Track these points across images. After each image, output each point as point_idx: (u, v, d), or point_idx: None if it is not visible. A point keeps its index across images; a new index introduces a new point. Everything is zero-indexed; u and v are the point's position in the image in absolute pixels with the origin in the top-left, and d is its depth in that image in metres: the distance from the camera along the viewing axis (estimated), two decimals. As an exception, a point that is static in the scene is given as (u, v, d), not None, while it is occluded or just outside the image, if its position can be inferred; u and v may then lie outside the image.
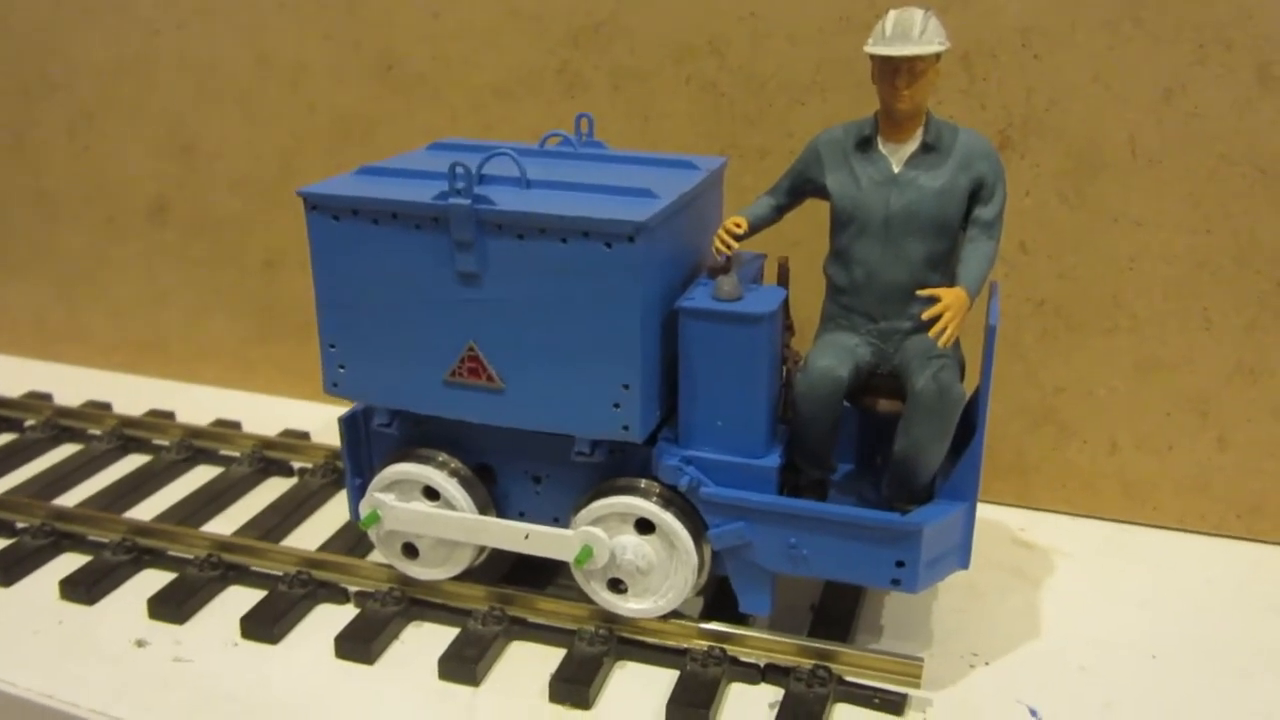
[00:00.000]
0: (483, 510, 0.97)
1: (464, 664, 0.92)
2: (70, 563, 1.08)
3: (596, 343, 0.87)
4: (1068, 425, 1.18)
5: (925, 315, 0.84)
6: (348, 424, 1.01)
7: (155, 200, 1.52)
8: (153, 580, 1.05)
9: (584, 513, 0.93)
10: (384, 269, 0.90)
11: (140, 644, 0.97)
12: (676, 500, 0.91)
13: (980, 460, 0.89)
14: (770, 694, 0.91)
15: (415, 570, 1.00)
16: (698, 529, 0.91)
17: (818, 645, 0.92)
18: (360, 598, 1.02)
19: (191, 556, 1.07)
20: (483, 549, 0.99)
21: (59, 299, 1.63)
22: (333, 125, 1.39)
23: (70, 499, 1.20)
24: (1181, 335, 1.12)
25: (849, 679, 0.90)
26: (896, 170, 0.88)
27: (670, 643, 0.94)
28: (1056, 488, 1.20)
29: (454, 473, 0.96)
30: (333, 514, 1.18)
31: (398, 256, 0.89)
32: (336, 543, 1.11)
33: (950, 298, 0.84)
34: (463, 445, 0.97)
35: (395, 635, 0.98)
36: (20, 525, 1.14)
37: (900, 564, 0.87)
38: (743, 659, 0.93)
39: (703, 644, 0.93)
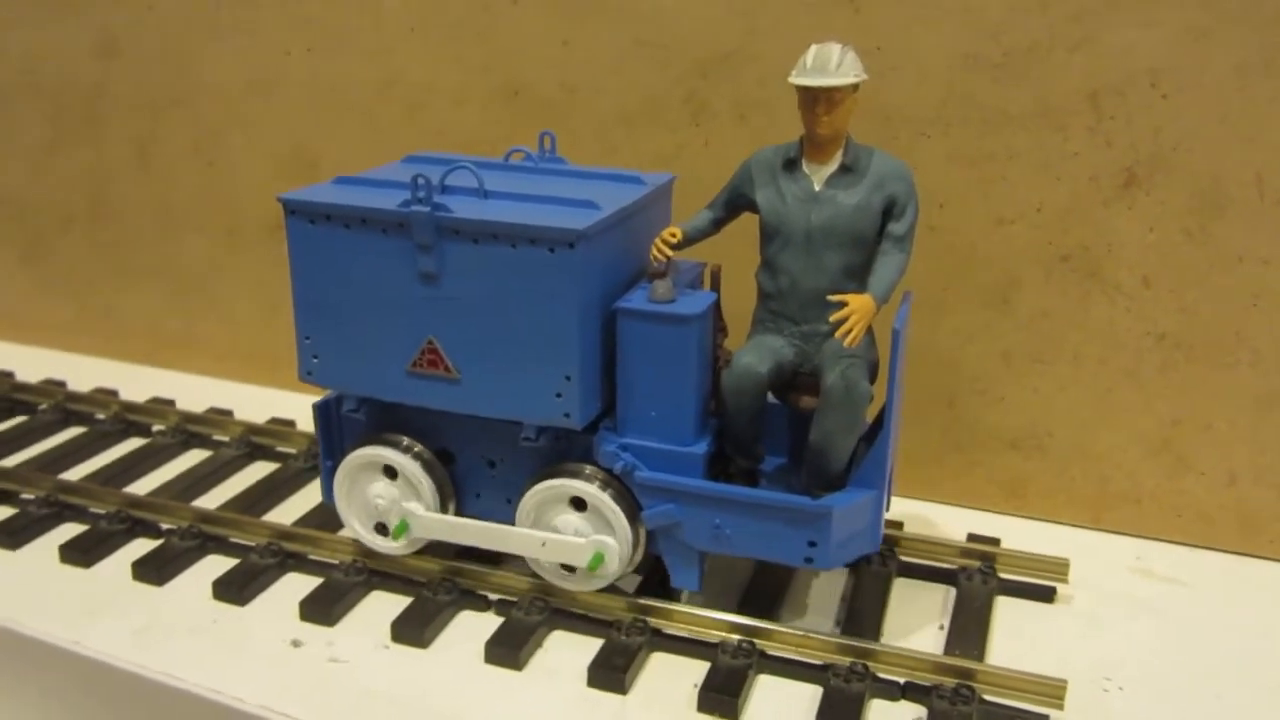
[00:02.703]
0: (441, 490, 1.06)
1: (613, 673, 0.95)
2: (219, 564, 1.12)
3: (541, 338, 0.96)
4: (1185, 456, 1.20)
5: (832, 318, 0.94)
6: (320, 410, 1.10)
7: (275, 216, 1.55)
8: (299, 584, 1.09)
9: (531, 493, 1.02)
10: (354, 269, 1.00)
11: (295, 644, 1.01)
12: (614, 483, 1.00)
13: (887, 453, 0.97)
14: (911, 711, 0.93)
15: (382, 545, 1.09)
16: (633, 510, 1.00)
17: (958, 664, 0.94)
18: (502, 605, 1.05)
19: (337, 562, 1.11)
20: None
21: (175, 308, 1.68)
22: (456, 148, 1.42)
23: (209, 501, 1.24)
24: (1302, 372, 1.14)
25: (990, 699, 0.93)
26: (817, 189, 0.98)
27: (811, 659, 0.97)
28: (1171, 517, 1.22)
29: (417, 456, 1.06)
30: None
31: (366, 258, 0.99)
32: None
33: (857, 303, 0.93)
34: (425, 431, 1.07)
35: (539, 643, 1.01)
36: (166, 527, 1.18)
37: (812, 543, 0.96)
38: (881, 675, 0.95)
39: (845, 660, 0.96)
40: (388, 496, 1.07)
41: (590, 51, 1.34)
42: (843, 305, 0.94)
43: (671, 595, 1.04)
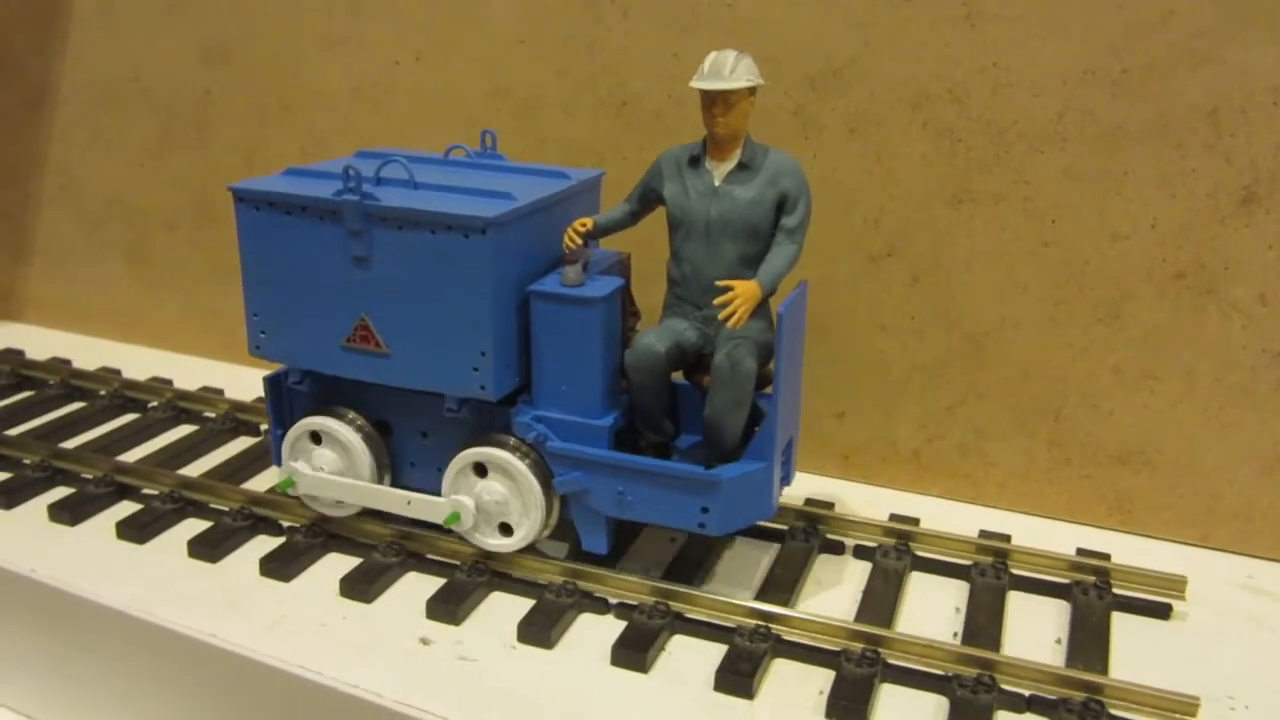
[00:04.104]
0: (378, 459, 1.16)
1: (740, 678, 0.97)
2: (343, 563, 1.15)
3: (459, 316, 1.05)
4: (1299, 476, 1.19)
5: (716, 301, 1.01)
6: (271, 383, 1.20)
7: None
8: (421, 583, 1.12)
9: (456, 460, 1.11)
10: (295, 252, 1.10)
11: (425, 642, 1.03)
12: (530, 453, 1.08)
13: (775, 427, 1.03)
14: (1037, 724, 0.94)
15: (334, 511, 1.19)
16: (546, 477, 1.08)
17: (1085, 677, 0.95)
18: (623, 609, 1.07)
19: (458, 563, 1.13)
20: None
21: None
22: (562, 157, 1.45)
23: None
24: None
25: (1117, 714, 0.93)
26: (717, 184, 1.05)
27: (934, 669, 0.98)
28: (1284, 537, 1.21)
29: (359, 428, 1.16)
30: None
31: (306, 242, 1.09)
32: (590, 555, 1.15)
33: (741, 289, 1.01)
34: (366, 403, 1.16)
35: (663, 646, 1.03)
36: (288, 524, 1.21)
37: (705, 509, 1.03)
38: (1005, 687, 0.96)
39: (969, 671, 0.97)
40: (328, 463, 1.16)
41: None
42: (729, 290, 1.01)
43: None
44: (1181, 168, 1.17)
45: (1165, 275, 1.20)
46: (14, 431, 1.44)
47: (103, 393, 1.56)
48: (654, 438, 1.12)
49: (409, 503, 1.12)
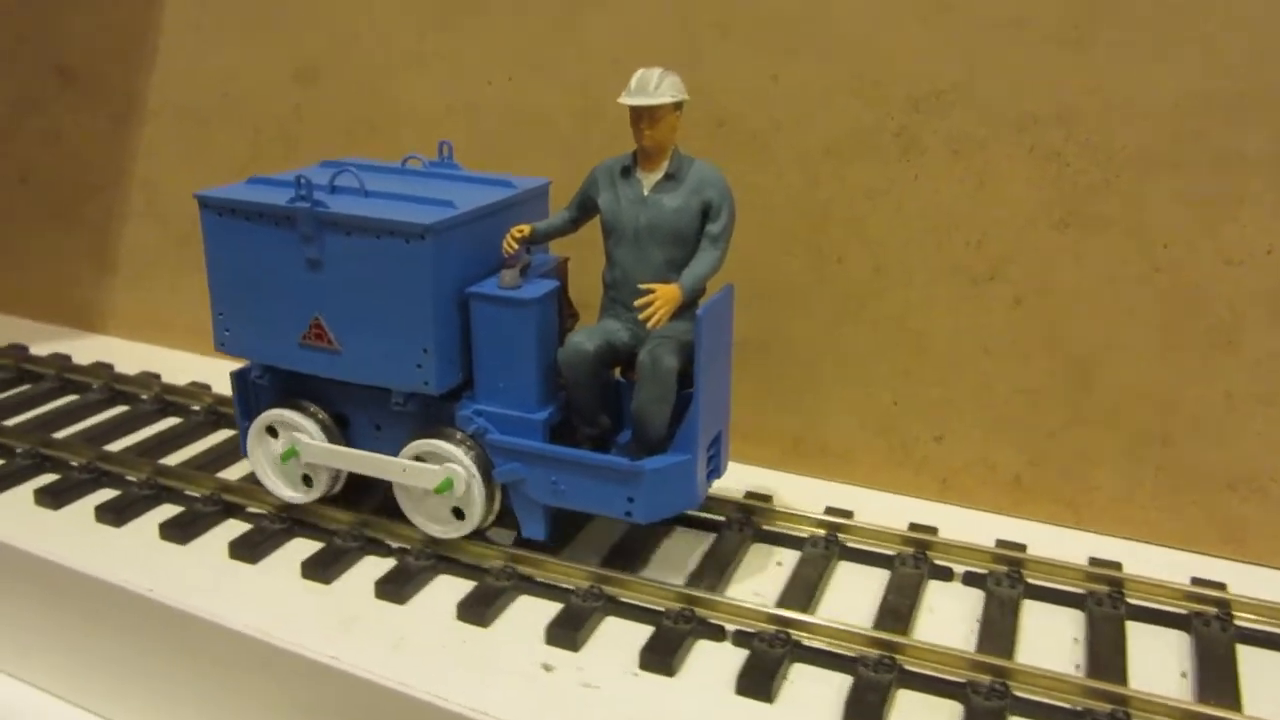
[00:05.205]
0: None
1: (868, 709, 0.97)
2: (456, 586, 1.16)
3: (403, 316, 1.12)
4: None
5: (636, 303, 1.08)
6: (237, 377, 1.28)
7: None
8: (536, 607, 1.13)
9: (405, 450, 1.18)
10: (255, 255, 1.17)
11: (547, 668, 1.04)
12: (474, 445, 1.15)
13: (698, 423, 1.10)
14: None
15: (290, 495, 1.26)
16: (487, 467, 1.14)
17: (1222, 714, 0.94)
18: (741, 636, 1.07)
19: (573, 587, 1.13)
20: (335, 481, 1.26)
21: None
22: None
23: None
24: None
25: (1253, 750, 0.92)
26: (646, 193, 1.12)
27: (1063, 703, 0.98)
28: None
29: (319, 421, 1.23)
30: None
31: (264, 246, 1.16)
32: (702, 581, 1.16)
33: (662, 291, 1.07)
34: (324, 397, 1.23)
35: (785, 675, 1.03)
36: (397, 546, 1.22)
37: (630, 499, 1.10)
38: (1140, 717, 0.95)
39: (1103, 708, 0.96)
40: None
41: (799, 85, 1.36)
42: (651, 293, 1.07)
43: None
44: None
45: (1281, 301, 1.19)
46: (115, 447, 1.45)
47: (196, 408, 1.58)
48: (589, 431, 1.18)
49: (404, 470, 1.18)
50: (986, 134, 1.28)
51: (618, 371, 1.22)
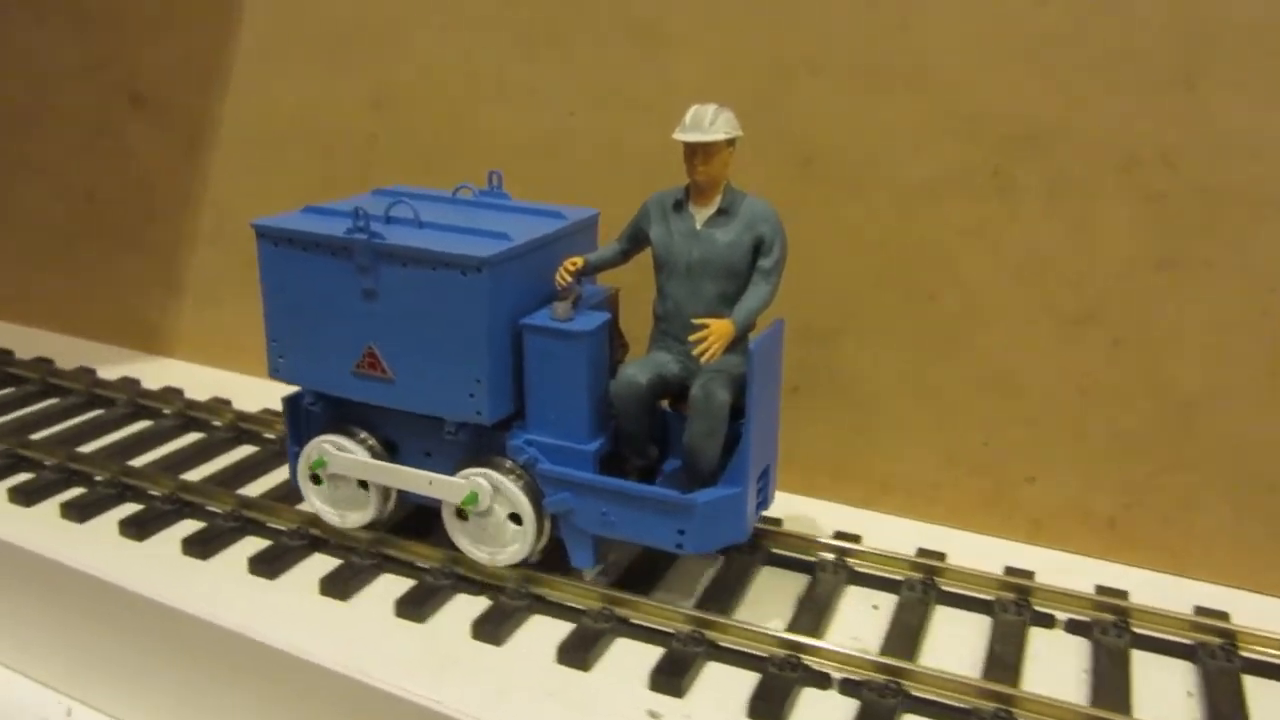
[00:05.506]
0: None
1: (987, 766, 0.95)
2: (554, 627, 1.14)
3: (457, 347, 1.13)
4: None
5: (691, 338, 1.08)
6: (289, 403, 1.29)
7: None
8: (637, 650, 1.11)
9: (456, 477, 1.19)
10: (310, 284, 1.18)
11: (654, 715, 1.02)
12: (523, 474, 1.16)
13: (749, 456, 1.10)
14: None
15: (336, 520, 1.27)
16: (536, 497, 1.14)
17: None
18: (849, 685, 1.05)
19: (672, 630, 1.12)
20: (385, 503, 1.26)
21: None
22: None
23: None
24: None
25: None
26: (698, 227, 1.13)
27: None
28: None
29: (370, 448, 1.24)
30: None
31: (320, 276, 1.17)
32: (801, 625, 1.14)
33: (716, 326, 1.08)
34: (375, 424, 1.25)
35: (897, 726, 1.01)
36: (490, 582, 1.21)
37: (681, 531, 1.09)
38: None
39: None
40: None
41: (892, 122, 1.34)
42: (704, 327, 1.08)
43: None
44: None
45: (1395, 348, 1.17)
46: (193, 476, 1.45)
47: (270, 436, 1.57)
48: (637, 462, 1.19)
49: (430, 483, 1.19)
50: (1086, 173, 1.26)
51: (666, 403, 1.22)
